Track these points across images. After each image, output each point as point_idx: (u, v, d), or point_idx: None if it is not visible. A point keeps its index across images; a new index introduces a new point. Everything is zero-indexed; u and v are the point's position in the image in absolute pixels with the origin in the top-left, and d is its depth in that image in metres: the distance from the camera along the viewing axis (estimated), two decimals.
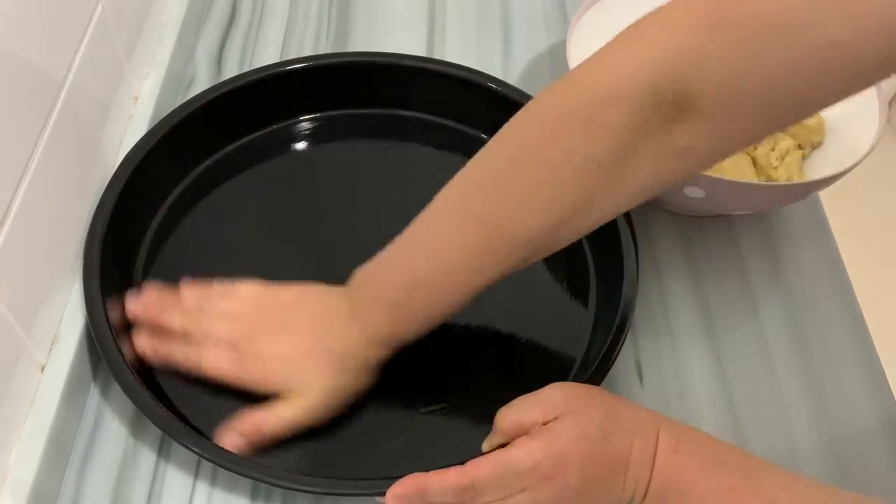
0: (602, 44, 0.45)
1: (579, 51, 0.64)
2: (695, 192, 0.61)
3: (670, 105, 0.43)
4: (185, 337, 0.56)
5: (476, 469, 0.47)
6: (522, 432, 0.48)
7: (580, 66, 0.47)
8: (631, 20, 0.43)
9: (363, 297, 0.55)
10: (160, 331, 0.57)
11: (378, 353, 0.55)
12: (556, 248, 0.52)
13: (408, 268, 0.53)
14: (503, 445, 0.48)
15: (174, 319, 0.56)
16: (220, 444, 0.52)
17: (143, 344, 0.56)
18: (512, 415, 0.49)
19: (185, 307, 0.57)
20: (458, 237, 0.51)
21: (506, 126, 0.50)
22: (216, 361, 0.55)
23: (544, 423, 0.47)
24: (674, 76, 0.42)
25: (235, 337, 0.55)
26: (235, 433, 0.53)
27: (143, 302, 0.58)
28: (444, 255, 0.52)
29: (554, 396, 0.49)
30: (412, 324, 0.54)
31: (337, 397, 0.55)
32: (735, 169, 0.64)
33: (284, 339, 0.55)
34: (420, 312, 0.54)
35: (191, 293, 0.58)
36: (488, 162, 0.50)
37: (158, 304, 0.57)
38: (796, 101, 0.42)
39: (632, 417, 0.49)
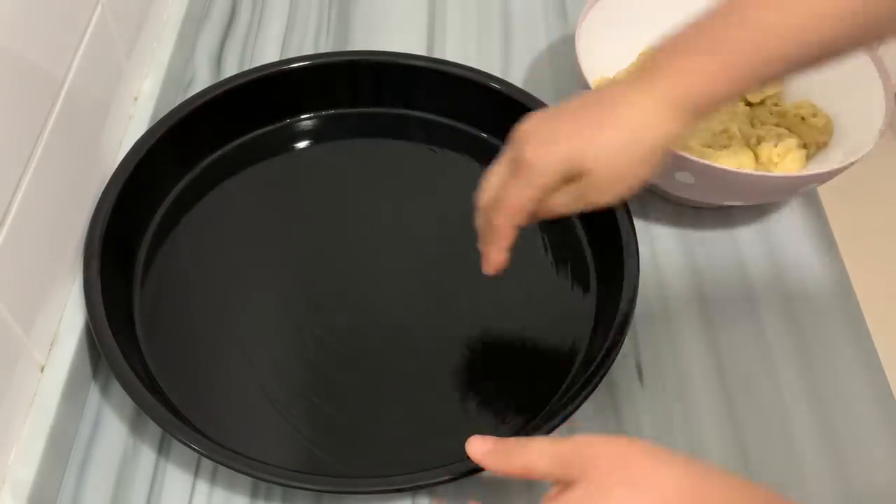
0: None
1: (588, 43, 0.64)
2: (685, 178, 0.61)
3: None
4: None
5: None
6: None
7: None
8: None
9: (668, 55, 0.48)
10: None
11: (676, 127, 0.48)
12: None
13: (727, 15, 0.47)
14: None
15: None
16: None
17: None
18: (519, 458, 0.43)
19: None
20: None
21: None
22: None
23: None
24: None
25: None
26: None
27: None
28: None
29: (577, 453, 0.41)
30: (728, 71, 0.47)
31: (622, 188, 0.49)
32: (735, 162, 0.64)
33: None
34: (739, 56, 0.46)
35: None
36: None
37: None
38: None
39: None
